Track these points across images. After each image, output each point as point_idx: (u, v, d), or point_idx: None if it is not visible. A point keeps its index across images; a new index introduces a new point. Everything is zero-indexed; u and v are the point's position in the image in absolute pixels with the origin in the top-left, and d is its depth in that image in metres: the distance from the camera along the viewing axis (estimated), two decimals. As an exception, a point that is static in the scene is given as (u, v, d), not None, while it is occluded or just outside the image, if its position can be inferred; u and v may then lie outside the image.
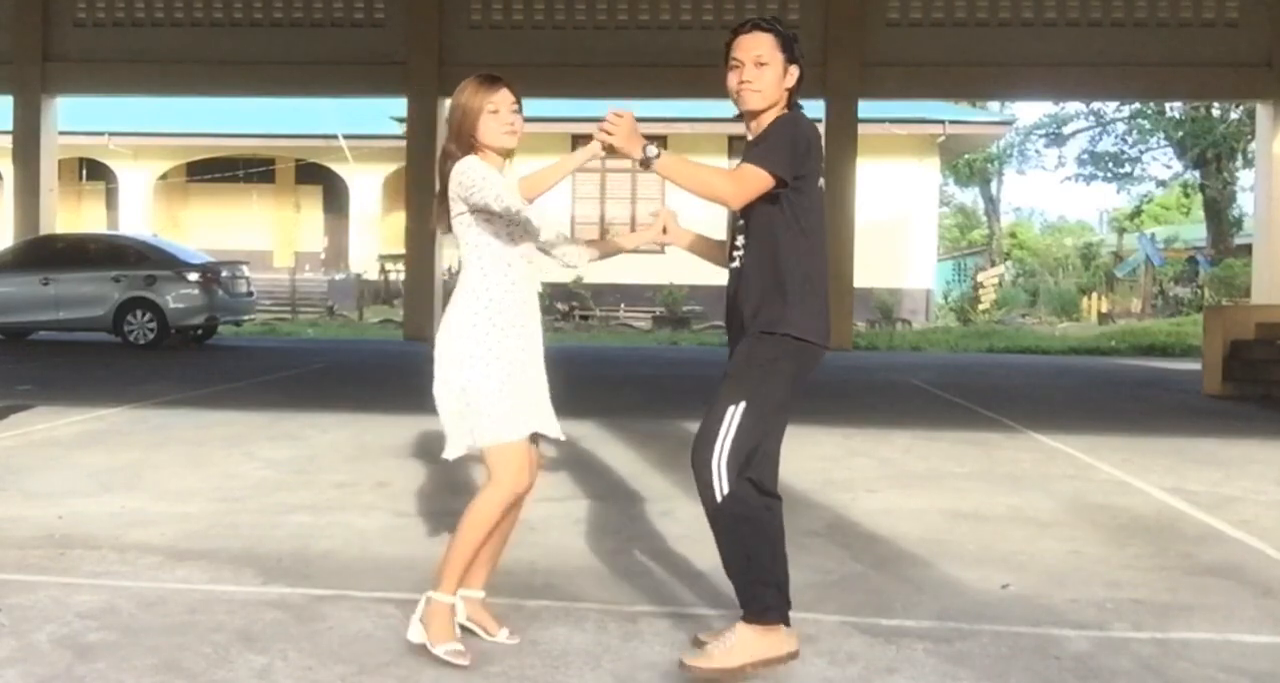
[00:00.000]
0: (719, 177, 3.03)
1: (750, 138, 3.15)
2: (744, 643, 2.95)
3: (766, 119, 3.11)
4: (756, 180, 2.96)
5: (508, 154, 3.26)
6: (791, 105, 3.15)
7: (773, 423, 3.01)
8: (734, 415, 2.95)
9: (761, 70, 3.08)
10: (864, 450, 6.85)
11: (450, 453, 3.21)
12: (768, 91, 3.10)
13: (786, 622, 3.02)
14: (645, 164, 2.91)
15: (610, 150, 2.93)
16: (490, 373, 3.13)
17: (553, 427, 3.29)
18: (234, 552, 4.22)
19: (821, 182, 3.11)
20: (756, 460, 2.98)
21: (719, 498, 2.93)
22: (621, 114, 2.89)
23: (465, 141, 3.18)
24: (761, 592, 2.95)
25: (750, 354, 3.02)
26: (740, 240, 3.12)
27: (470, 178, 3.10)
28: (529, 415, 3.19)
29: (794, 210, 3.01)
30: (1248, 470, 6.39)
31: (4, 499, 5.14)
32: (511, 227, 3.16)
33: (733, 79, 3.12)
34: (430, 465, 5.78)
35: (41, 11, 17.03)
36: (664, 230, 3.38)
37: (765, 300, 3.02)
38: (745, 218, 3.09)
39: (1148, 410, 9.48)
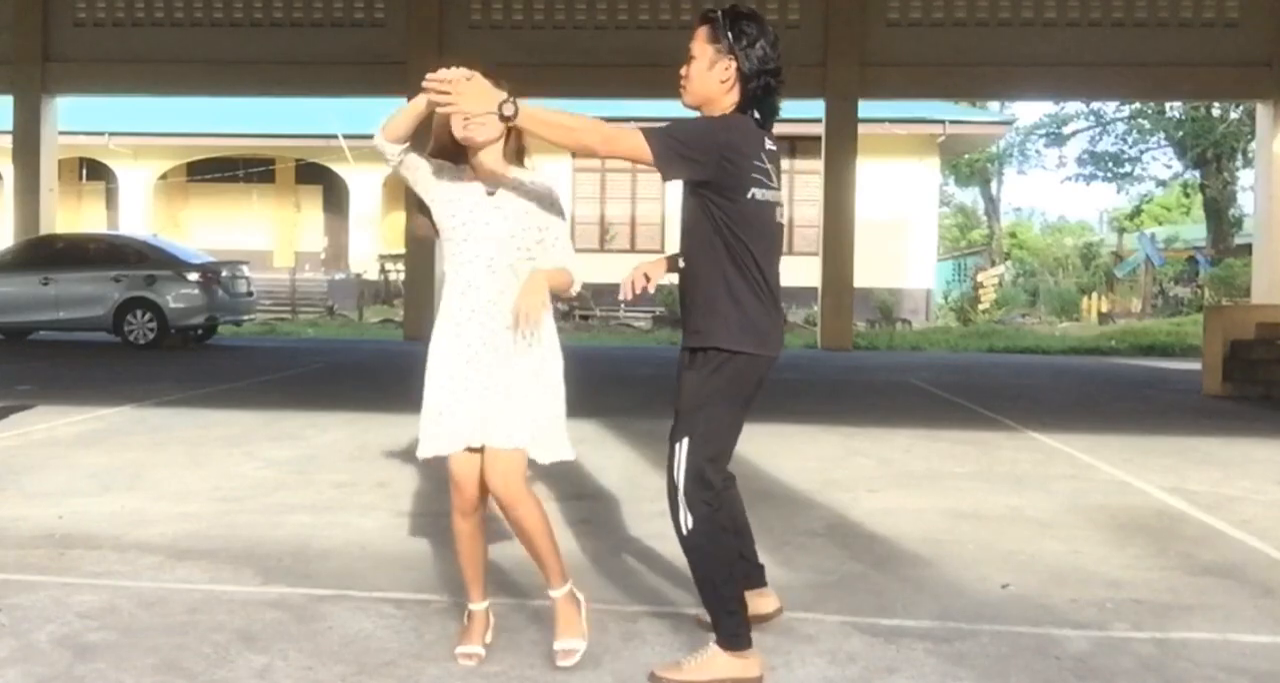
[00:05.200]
0: (586, 125, 2.82)
1: None
2: (716, 662, 2.98)
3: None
4: (633, 146, 2.80)
5: (480, 149, 3.07)
6: (743, 104, 2.94)
7: (721, 441, 3.03)
8: (681, 451, 2.99)
9: (689, 65, 2.99)
10: (864, 450, 6.85)
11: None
12: (692, 87, 2.99)
13: (750, 644, 3.02)
14: (506, 121, 2.80)
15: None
16: (427, 382, 3.08)
17: (498, 436, 2.99)
18: (234, 552, 4.22)
19: (762, 193, 2.92)
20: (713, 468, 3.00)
21: (684, 531, 3.01)
22: (469, 77, 2.76)
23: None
24: (727, 620, 2.99)
25: (685, 381, 3.03)
26: (680, 247, 3.09)
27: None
28: (454, 434, 3.01)
29: (726, 220, 2.91)
30: (1248, 470, 6.40)
31: (4, 499, 5.14)
32: (456, 227, 3.01)
33: None
34: (430, 465, 5.75)
35: (41, 11, 17.04)
36: (646, 278, 3.36)
37: (691, 313, 3.03)
38: (682, 226, 3.06)
39: (1148, 410, 9.47)
